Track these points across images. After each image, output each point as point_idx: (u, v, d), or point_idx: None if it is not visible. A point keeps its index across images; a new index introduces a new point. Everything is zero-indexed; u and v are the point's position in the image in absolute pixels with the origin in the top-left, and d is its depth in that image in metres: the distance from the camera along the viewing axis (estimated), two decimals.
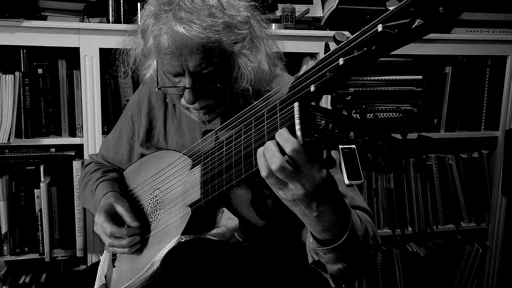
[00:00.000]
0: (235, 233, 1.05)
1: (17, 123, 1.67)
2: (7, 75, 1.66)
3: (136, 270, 1.04)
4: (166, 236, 1.03)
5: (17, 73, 1.67)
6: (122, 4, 1.75)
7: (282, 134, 0.73)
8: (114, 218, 1.11)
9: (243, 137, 0.86)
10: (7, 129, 1.64)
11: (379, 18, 0.64)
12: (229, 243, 1.03)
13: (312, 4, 1.97)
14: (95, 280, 1.14)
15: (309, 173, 0.73)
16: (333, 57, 0.70)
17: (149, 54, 1.07)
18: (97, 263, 1.23)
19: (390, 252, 2.12)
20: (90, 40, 1.64)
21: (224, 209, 1.04)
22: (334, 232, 0.80)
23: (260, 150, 0.76)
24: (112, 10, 1.75)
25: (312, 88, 0.72)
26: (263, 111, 0.83)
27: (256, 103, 0.95)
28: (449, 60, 2.08)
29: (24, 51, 1.69)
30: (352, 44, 0.67)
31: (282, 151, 0.72)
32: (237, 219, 1.02)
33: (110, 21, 1.75)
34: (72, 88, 1.74)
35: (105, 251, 1.22)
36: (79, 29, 1.64)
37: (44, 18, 1.72)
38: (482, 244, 2.22)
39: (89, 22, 1.77)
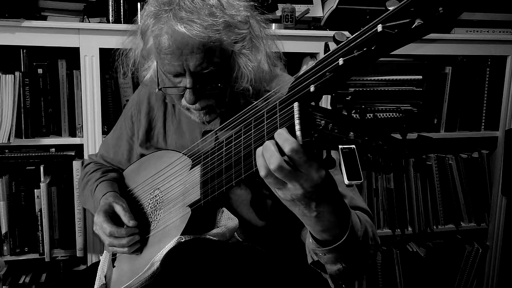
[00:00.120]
0: (235, 233, 1.05)
1: (17, 123, 1.67)
2: (7, 75, 1.66)
3: (136, 270, 1.04)
4: (166, 236, 1.03)
5: (17, 73, 1.67)
6: (122, 4, 1.75)
7: (281, 134, 0.73)
8: (113, 218, 1.11)
9: (242, 137, 0.86)
10: (7, 129, 1.64)
11: (379, 18, 0.64)
12: (229, 243, 1.03)
13: (312, 4, 1.97)
14: (95, 280, 1.14)
15: (307, 173, 0.73)
16: (333, 57, 0.70)
17: (148, 55, 1.07)
18: (97, 263, 1.23)
19: (390, 252, 2.12)
20: (90, 40, 1.64)
21: (224, 209, 1.04)
22: (333, 233, 0.80)
23: (259, 150, 0.76)
24: (112, 10, 1.75)
25: (312, 88, 0.72)
26: (262, 111, 0.83)
27: (256, 103, 0.95)
28: (449, 60, 2.08)
29: (24, 51, 1.69)
30: (352, 44, 0.67)
31: (281, 151, 0.72)
32: (237, 219, 1.02)
33: (110, 21, 1.75)
34: (72, 88, 1.74)
35: (105, 251, 1.22)
36: (79, 29, 1.64)
37: (44, 18, 1.72)
38: (482, 244, 2.22)
39: (89, 22, 1.77)
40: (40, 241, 1.75)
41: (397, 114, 1.99)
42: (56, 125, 1.75)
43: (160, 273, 0.98)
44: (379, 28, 0.62)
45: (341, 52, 0.68)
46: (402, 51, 0.84)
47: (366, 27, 0.65)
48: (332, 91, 0.72)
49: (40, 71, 1.70)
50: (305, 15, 1.91)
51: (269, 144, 0.73)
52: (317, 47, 1.83)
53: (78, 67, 1.68)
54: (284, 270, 1.02)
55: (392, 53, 0.65)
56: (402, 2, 0.61)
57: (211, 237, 0.99)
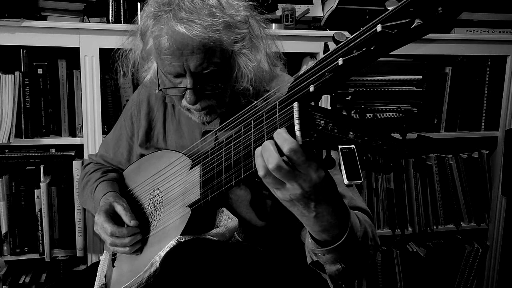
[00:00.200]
0: (235, 233, 1.05)
1: (17, 123, 1.67)
2: (7, 75, 1.66)
3: (136, 270, 1.04)
4: (166, 236, 1.03)
5: (17, 73, 1.67)
6: (122, 4, 1.75)
7: (280, 134, 0.73)
8: (114, 218, 1.11)
9: (242, 137, 0.86)
10: (7, 129, 1.64)
11: (378, 18, 0.64)
12: (229, 243, 1.03)
13: (312, 4, 1.97)
14: (95, 280, 1.14)
15: (306, 172, 0.73)
16: (332, 57, 0.70)
17: (148, 56, 1.07)
18: (97, 263, 1.23)
19: (390, 252, 2.12)
20: (90, 40, 1.64)
21: (224, 209, 1.04)
22: (333, 233, 0.80)
23: (258, 150, 0.76)
24: (112, 10, 1.75)
25: (312, 88, 0.72)
26: (262, 111, 0.83)
27: (256, 103, 0.95)
28: (449, 60, 2.08)
29: (24, 51, 1.69)
30: (351, 44, 0.67)
31: (280, 150, 0.72)
32: (236, 219, 1.02)
33: (110, 21, 1.75)
34: (72, 88, 1.74)
35: (105, 251, 1.22)
36: (79, 29, 1.64)
37: (44, 18, 1.72)
38: (482, 244, 2.22)
39: (89, 22, 1.77)
40: (40, 241, 1.75)
41: (397, 114, 1.98)
42: (56, 125, 1.75)
43: (160, 273, 0.98)
44: (379, 28, 0.62)
45: (340, 52, 0.68)
46: (402, 51, 0.84)
47: (365, 27, 0.65)
48: (331, 91, 0.72)
49: (40, 71, 1.70)
50: (305, 15, 1.91)
51: (268, 144, 0.74)
52: (317, 47, 1.83)
53: (78, 67, 1.68)
54: (284, 270, 1.02)
55: (392, 53, 0.65)
56: (402, 2, 0.62)
57: (211, 237, 0.99)
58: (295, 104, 0.73)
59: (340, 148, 0.69)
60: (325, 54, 0.72)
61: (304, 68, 1.00)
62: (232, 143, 0.89)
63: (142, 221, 1.12)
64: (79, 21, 1.76)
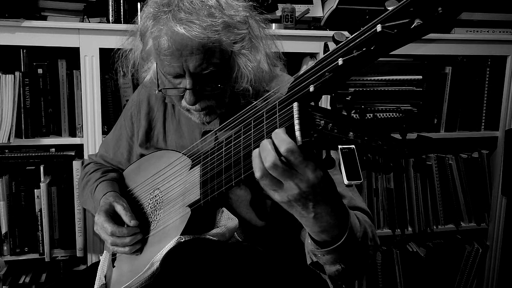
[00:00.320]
0: (235, 233, 1.05)
1: (17, 123, 1.67)
2: (7, 75, 1.66)
3: (136, 270, 1.04)
4: (166, 236, 1.03)
5: (17, 73, 1.67)
6: (122, 4, 1.75)
7: (278, 134, 0.73)
8: (114, 217, 1.11)
9: (242, 137, 0.86)
10: (7, 129, 1.64)
11: (378, 18, 0.64)
12: (229, 243, 1.03)
13: (312, 4, 1.97)
14: (95, 280, 1.14)
15: (303, 172, 0.73)
16: (332, 57, 0.70)
17: (148, 57, 1.07)
18: (97, 263, 1.23)
19: (390, 252, 2.12)
20: (90, 40, 1.64)
21: (224, 209, 1.04)
22: (332, 234, 0.80)
23: (255, 152, 0.76)
24: (112, 10, 1.75)
25: (311, 88, 0.72)
26: (262, 111, 0.83)
27: (256, 103, 0.95)
28: (449, 60, 2.08)
29: (24, 51, 1.69)
30: (351, 44, 0.67)
31: (277, 150, 0.72)
32: (236, 219, 1.02)
33: (110, 21, 1.75)
34: (72, 88, 1.74)
35: (105, 251, 1.22)
36: (79, 29, 1.64)
37: (44, 18, 1.72)
38: (482, 244, 2.22)
39: (89, 22, 1.77)
40: (40, 241, 1.75)
41: (397, 114, 1.98)
42: (56, 125, 1.75)
43: (160, 273, 0.98)
44: (379, 28, 0.62)
45: (340, 52, 0.68)
46: (402, 51, 0.84)
47: (365, 27, 0.65)
48: (331, 91, 0.72)
49: (40, 71, 1.70)
50: (305, 15, 1.91)
51: (266, 143, 0.74)
52: (317, 47, 1.83)
53: (78, 67, 1.68)
54: (284, 270, 1.02)
55: (392, 53, 0.65)
56: (401, 2, 0.62)
57: (211, 237, 0.99)
58: (295, 104, 0.73)
59: (340, 148, 0.69)
60: (325, 54, 0.72)
61: (304, 68, 1.00)
62: (232, 143, 0.89)
63: (142, 221, 1.12)
64: (79, 21, 1.76)
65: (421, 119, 2.05)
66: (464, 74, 2.09)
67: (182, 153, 1.10)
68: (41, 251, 1.76)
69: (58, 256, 1.80)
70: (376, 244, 0.93)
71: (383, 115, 1.96)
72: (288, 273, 1.03)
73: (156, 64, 1.06)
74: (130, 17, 1.76)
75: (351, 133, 0.70)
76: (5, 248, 1.73)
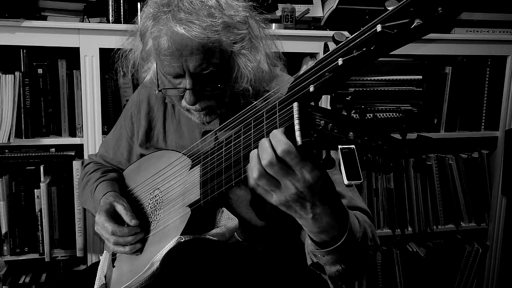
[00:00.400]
0: (235, 233, 1.05)
1: (17, 123, 1.67)
2: (7, 75, 1.66)
3: (136, 270, 1.04)
4: (166, 236, 1.03)
5: (17, 73, 1.67)
6: (122, 4, 1.75)
7: (275, 135, 0.73)
8: (114, 217, 1.11)
9: (242, 137, 0.86)
10: (7, 129, 1.64)
11: (378, 18, 0.64)
12: (229, 243, 1.03)
13: (312, 4, 1.97)
14: (95, 280, 1.14)
15: (299, 173, 0.73)
16: (332, 57, 0.70)
17: (148, 57, 1.07)
18: (97, 263, 1.23)
19: (390, 252, 2.12)
20: (90, 40, 1.64)
21: (224, 209, 1.04)
22: (332, 234, 0.80)
23: (253, 152, 0.76)
24: (112, 10, 1.75)
25: (311, 88, 0.72)
26: (262, 111, 0.83)
27: (255, 103, 0.95)
28: (449, 60, 2.08)
29: (24, 51, 1.69)
30: (351, 44, 0.67)
31: (274, 150, 0.72)
32: (236, 219, 1.02)
33: (110, 21, 1.75)
34: (72, 88, 1.74)
35: (105, 251, 1.22)
36: (79, 29, 1.64)
37: (44, 18, 1.72)
38: (482, 244, 2.21)
39: (89, 22, 1.77)
40: (40, 241, 1.75)
41: (397, 114, 1.98)
42: (56, 125, 1.75)
43: (160, 273, 0.98)
44: (379, 28, 0.62)
45: (340, 52, 0.68)
46: (402, 51, 0.84)
47: (365, 27, 0.65)
48: (331, 91, 0.72)
49: (40, 71, 1.70)
50: (305, 15, 1.91)
51: (264, 141, 0.74)
52: (317, 47, 1.83)
53: (78, 67, 1.68)
54: (284, 270, 1.02)
55: (392, 53, 0.65)
56: (401, 2, 0.62)
57: (211, 237, 0.99)
58: (295, 104, 0.73)
59: (340, 148, 0.69)
60: (325, 54, 0.72)
61: (304, 68, 1.00)
62: (232, 143, 0.89)
63: (142, 221, 1.12)
64: (79, 21, 1.76)
65: (421, 119, 2.05)
66: (464, 74, 2.09)
67: (182, 153, 1.10)
68: (41, 251, 1.76)
69: (58, 256, 1.80)
70: (376, 244, 0.93)
71: (383, 115, 1.96)
72: (288, 273, 1.03)
73: (156, 64, 1.06)
74: (130, 17, 1.76)
75: (351, 133, 0.70)
76: (5, 248, 1.73)
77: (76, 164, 1.73)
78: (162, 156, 1.16)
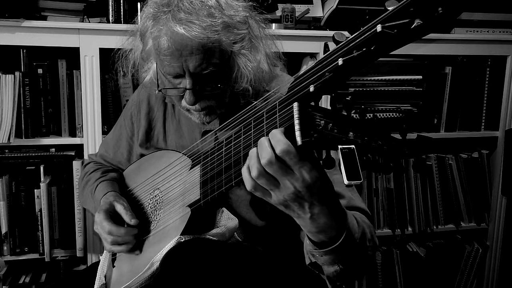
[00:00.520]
0: (235, 233, 1.05)
1: (17, 123, 1.67)
2: (7, 75, 1.66)
3: (136, 270, 1.04)
4: (166, 236, 1.03)
5: (17, 73, 1.67)
6: (122, 4, 1.75)
7: (274, 135, 0.73)
8: (114, 217, 1.11)
9: (242, 137, 0.86)
10: (7, 129, 1.64)
11: (378, 18, 0.64)
12: (229, 243, 1.03)
13: (312, 4, 1.97)
14: (95, 280, 1.14)
15: (298, 173, 0.73)
16: (332, 57, 0.70)
17: (148, 57, 1.08)
18: (97, 263, 1.23)
19: (390, 252, 2.12)
20: (90, 40, 1.64)
21: (224, 209, 1.04)
22: (330, 234, 0.80)
23: (252, 151, 0.76)
24: (112, 10, 1.75)
25: (312, 88, 0.72)
26: (262, 111, 0.83)
27: (256, 103, 0.95)
28: (449, 60, 2.08)
29: (24, 51, 1.69)
30: (351, 45, 0.67)
31: (274, 150, 0.72)
32: (236, 219, 1.02)
33: (110, 21, 1.75)
34: (72, 88, 1.74)
35: (105, 251, 1.22)
36: (79, 29, 1.64)
37: (44, 18, 1.72)
38: (482, 244, 2.21)
39: (89, 22, 1.77)
40: (40, 241, 1.75)
41: (397, 114, 1.98)
42: (56, 125, 1.75)
43: (159, 273, 0.98)
44: (379, 28, 0.62)
45: (340, 52, 0.68)
46: (402, 51, 0.84)
47: (365, 27, 0.65)
48: (331, 91, 0.72)
49: (40, 71, 1.70)
50: (305, 15, 1.91)
51: (263, 140, 0.74)
52: (317, 47, 1.83)
53: (78, 67, 1.68)
54: (283, 270, 1.02)
55: (392, 53, 0.65)
56: (402, 2, 0.62)
57: (211, 237, 0.99)
58: (295, 104, 0.73)
59: (340, 148, 0.69)
60: (325, 54, 0.72)
61: (304, 68, 1.00)
62: (232, 143, 0.89)
63: (142, 221, 1.12)
64: (79, 21, 1.76)
65: (421, 119, 2.05)
66: (464, 74, 2.09)
67: (182, 153, 1.10)
68: (41, 251, 1.76)
69: (58, 256, 1.80)
70: (375, 244, 0.93)
71: (383, 115, 1.96)
72: (288, 273, 1.03)
73: (156, 64, 1.06)
74: (130, 17, 1.76)
75: (351, 133, 0.70)
76: (5, 248, 1.73)
77: (76, 164, 1.73)
78: (162, 156, 1.16)
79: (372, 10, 1.91)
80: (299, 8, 1.92)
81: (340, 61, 0.67)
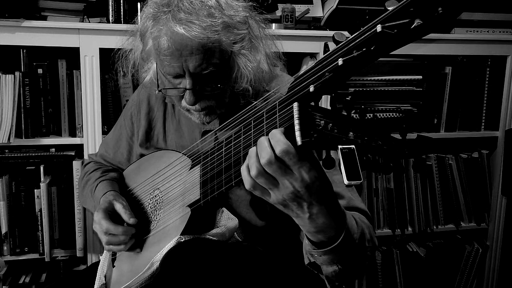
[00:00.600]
0: (235, 233, 1.05)
1: (17, 123, 1.67)
2: (7, 75, 1.66)
3: (136, 270, 1.04)
4: (166, 236, 1.03)
5: (17, 73, 1.67)
6: (122, 4, 1.75)
7: (274, 135, 0.73)
8: (113, 216, 1.10)
9: (242, 137, 0.86)
10: (7, 129, 1.64)
11: (378, 18, 0.64)
12: (229, 243, 1.03)
13: (312, 4, 1.97)
14: (95, 280, 1.14)
15: (297, 173, 0.73)
16: (332, 57, 0.70)
17: (148, 57, 1.08)
18: (97, 263, 1.23)
19: (390, 252, 2.12)
20: (90, 40, 1.64)
21: (224, 209, 1.04)
22: (329, 234, 0.81)
23: (251, 151, 0.76)
24: (112, 10, 1.75)
25: (311, 89, 0.72)
26: (262, 111, 0.83)
27: (256, 103, 0.95)
28: (449, 60, 2.08)
29: (24, 51, 1.69)
30: (351, 45, 0.67)
31: (273, 149, 0.73)
32: (236, 219, 1.02)
33: (110, 21, 1.75)
34: (72, 88, 1.74)
35: (105, 251, 1.22)
36: (79, 29, 1.64)
37: (44, 18, 1.72)
38: (482, 244, 2.21)
39: (89, 22, 1.77)
40: (40, 241, 1.75)
41: (397, 114, 1.98)
42: (56, 125, 1.75)
43: (159, 273, 0.98)
44: (379, 28, 0.62)
45: (340, 52, 0.68)
46: (402, 51, 0.84)
47: (365, 27, 0.65)
48: (331, 91, 0.72)
49: (40, 71, 1.70)
50: (305, 15, 1.91)
51: (263, 140, 0.74)
52: (317, 47, 1.83)
53: (78, 67, 1.68)
54: (283, 270, 1.02)
55: (392, 53, 0.65)
56: (402, 2, 0.62)
57: (211, 237, 0.99)
58: (295, 104, 0.73)
59: (340, 148, 0.69)
60: (325, 54, 0.72)
61: (304, 68, 1.00)
62: (232, 143, 0.89)
63: (142, 221, 1.12)
64: (79, 21, 1.76)
65: (421, 119, 2.05)
66: (464, 74, 2.09)
67: (182, 153, 1.10)
68: (41, 251, 1.76)
69: (58, 256, 1.80)
70: (374, 245, 0.93)
71: (383, 115, 1.96)
72: (288, 273, 1.03)
73: (156, 64, 1.06)
74: (130, 17, 1.76)
75: (351, 133, 0.70)
76: (5, 248, 1.73)
77: (76, 164, 1.73)
78: (162, 156, 1.16)
79: (372, 10, 1.91)
80: (299, 8, 1.92)
81: (340, 61, 0.67)
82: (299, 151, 0.72)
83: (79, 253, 1.77)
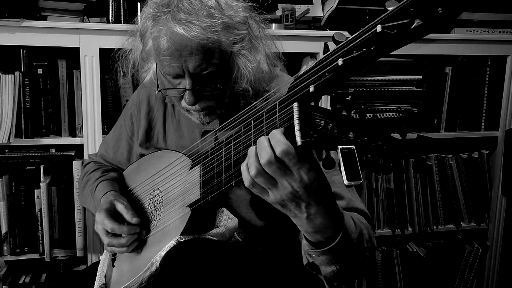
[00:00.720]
0: (235, 233, 1.05)
1: (17, 123, 1.67)
2: (7, 75, 1.66)
3: (136, 270, 1.04)
4: (166, 236, 1.03)
5: (17, 73, 1.67)
6: (122, 4, 1.75)
7: (274, 135, 0.73)
8: (114, 216, 1.11)
9: (242, 137, 0.86)
10: (7, 129, 1.64)
11: (378, 18, 0.64)
12: (229, 243, 1.03)
13: (312, 4, 1.97)
14: (95, 280, 1.14)
15: (296, 173, 0.73)
16: (332, 57, 0.70)
17: (148, 57, 1.08)
18: (97, 263, 1.23)
19: (390, 252, 2.12)
20: (90, 40, 1.64)
21: (224, 209, 1.04)
22: (326, 234, 0.81)
23: (251, 150, 0.76)
24: (112, 10, 1.75)
25: (311, 89, 0.72)
26: (262, 111, 0.83)
27: (255, 104, 0.95)
28: (449, 60, 2.08)
29: (24, 51, 1.69)
30: (351, 45, 0.67)
31: (273, 150, 0.73)
32: (236, 219, 1.02)
33: (110, 21, 1.75)
34: (72, 88, 1.74)
35: (105, 251, 1.22)
36: (79, 29, 1.64)
37: (44, 18, 1.72)
38: (482, 244, 2.21)
39: (89, 22, 1.77)
40: (40, 241, 1.75)
41: (397, 114, 1.98)
42: (56, 125, 1.75)
43: (159, 273, 0.98)
44: (379, 28, 0.62)
45: (340, 52, 0.68)
46: (402, 51, 0.84)
47: (365, 27, 0.65)
48: (331, 91, 0.72)
49: (40, 71, 1.70)
50: (305, 15, 1.91)
51: (263, 140, 0.74)
52: (317, 47, 1.83)
53: (78, 67, 1.68)
54: (283, 270, 1.02)
55: (392, 53, 0.65)
56: (402, 2, 0.62)
57: (211, 237, 0.99)
58: (295, 104, 0.73)
59: (340, 148, 0.69)
60: (325, 54, 0.72)
61: (304, 68, 1.00)
62: (232, 143, 0.89)
63: (142, 220, 1.12)
64: (79, 21, 1.76)
65: (421, 119, 2.05)
66: (464, 74, 2.09)
67: (182, 153, 1.10)
68: (41, 251, 1.76)
69: (58, 256, 1.80)
70: (373, 245, 0.93)
71: (383, 115, 1.96)
72: (287, 273, 1.03)
73: (156, 64, 1.06)
74: (130, 17, 1.76)
75: (351, 133, 0.70)
76: (5, 248, 1.73)
77: (76, 164, 1.73)
78: (162, 156, 1.16)
79: (372, 10, 1.91)
80: (299, 8, 1.92)
81: (340, 61, 0.67)
82: (299, 152, 0.72)
83: (79, 253, 1.77)
